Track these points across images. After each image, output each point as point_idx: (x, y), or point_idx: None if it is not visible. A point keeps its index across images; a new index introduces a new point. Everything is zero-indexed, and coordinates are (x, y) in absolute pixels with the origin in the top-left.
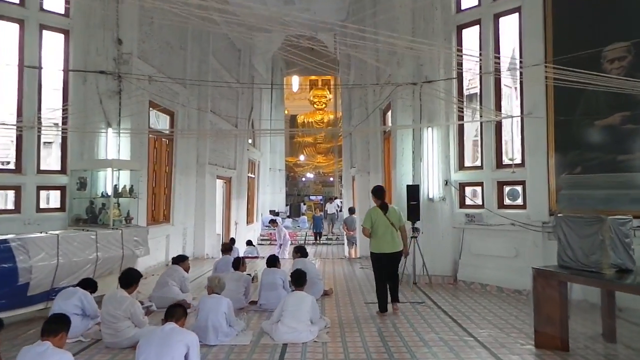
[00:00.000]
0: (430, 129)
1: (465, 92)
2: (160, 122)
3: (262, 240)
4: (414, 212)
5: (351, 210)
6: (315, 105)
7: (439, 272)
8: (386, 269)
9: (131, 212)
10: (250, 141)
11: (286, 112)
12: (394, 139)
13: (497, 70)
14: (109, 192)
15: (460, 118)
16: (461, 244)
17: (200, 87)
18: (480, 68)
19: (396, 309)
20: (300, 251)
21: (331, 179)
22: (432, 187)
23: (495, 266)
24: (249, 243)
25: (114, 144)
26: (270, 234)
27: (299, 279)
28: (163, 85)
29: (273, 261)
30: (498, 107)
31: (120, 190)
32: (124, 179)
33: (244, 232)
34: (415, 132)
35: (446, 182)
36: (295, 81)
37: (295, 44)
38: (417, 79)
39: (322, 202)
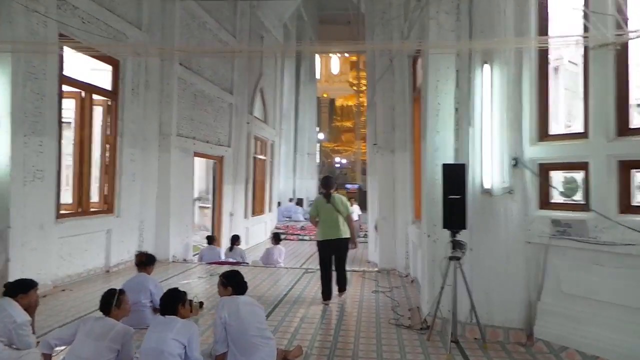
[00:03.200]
0: (487, 68)
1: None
2: (97, 77)
3: None
4: (455, 212)
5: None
6: (354, 88)
7: (499, 322)
8: (332, 256)
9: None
10: (262, 118)
11: (325, 95)
12: (425, 89)
13: None
14: None
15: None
16: (542, 273)
17: (164, 30)
18: None
19: (340, 295)
20: (231, 282)
21: None
22: (488, 170)
23: (614, 322)
24: (235, 240)
25: None
26: (286, 226)
27: None
28: (91, 17)
29: (171, 302)
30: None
31: None
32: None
33: (249, 227)
34: (460, 75)
35: (515, 162)
36: (335, 62)
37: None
38: None
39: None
